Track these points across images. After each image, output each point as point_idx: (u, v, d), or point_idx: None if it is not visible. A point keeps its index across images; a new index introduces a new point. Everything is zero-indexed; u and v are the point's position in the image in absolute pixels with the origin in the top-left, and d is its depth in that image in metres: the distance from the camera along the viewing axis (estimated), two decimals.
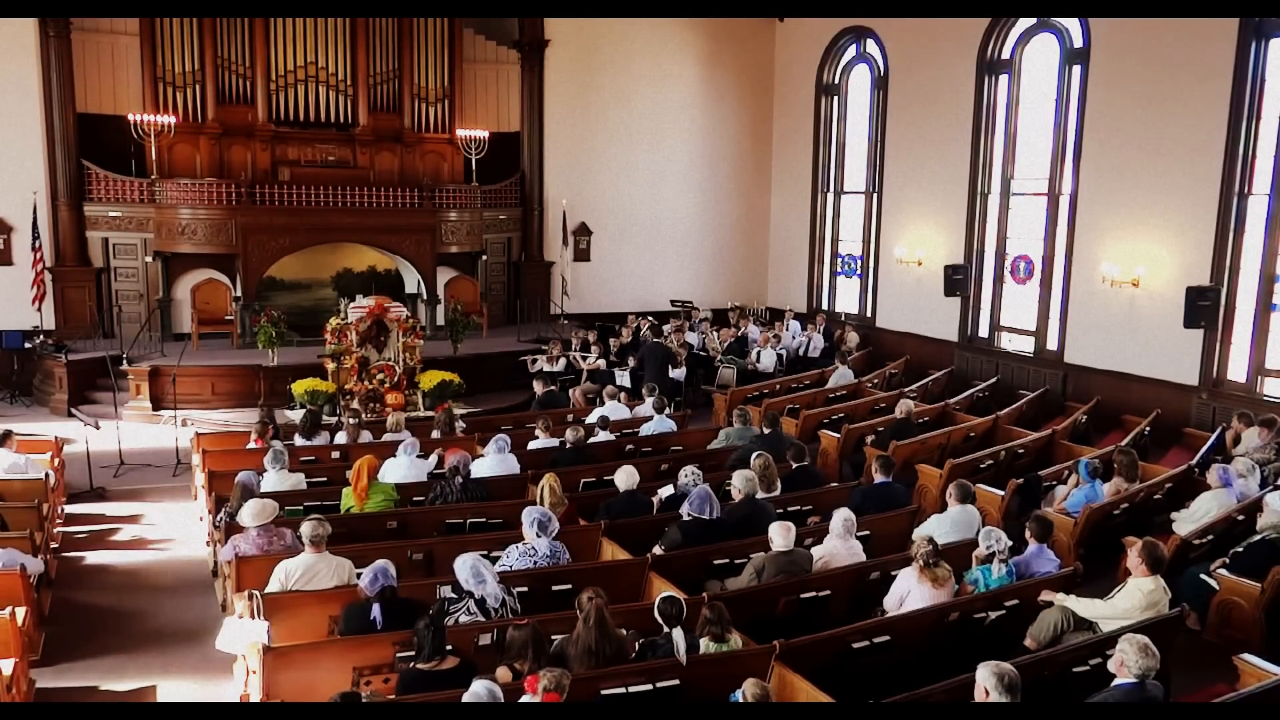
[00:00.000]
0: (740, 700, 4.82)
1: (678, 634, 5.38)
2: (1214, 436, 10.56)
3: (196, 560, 8.79)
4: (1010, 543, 6.72)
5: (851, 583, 6.82)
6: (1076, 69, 13.77)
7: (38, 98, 15.09)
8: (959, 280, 15.49)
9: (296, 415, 11.89)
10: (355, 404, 12.42)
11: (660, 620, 5.48)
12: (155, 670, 6.78)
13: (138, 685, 6.60)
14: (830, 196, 19.03)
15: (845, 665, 5.72)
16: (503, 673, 5.05)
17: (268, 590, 6.17)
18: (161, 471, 11.34)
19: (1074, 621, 6.19)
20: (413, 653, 5.17)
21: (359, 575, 6.00)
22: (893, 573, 6.65)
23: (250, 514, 6.96)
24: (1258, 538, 7.45)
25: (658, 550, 7.13)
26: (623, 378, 13.72)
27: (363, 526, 7.70)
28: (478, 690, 4.51)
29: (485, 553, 6.24)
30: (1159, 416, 11.81)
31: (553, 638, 5.48)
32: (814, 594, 6.55)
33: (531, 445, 10.00)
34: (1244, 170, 11.73)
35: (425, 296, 16.90)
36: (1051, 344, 14.38)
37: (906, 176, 16.78)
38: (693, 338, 15.96)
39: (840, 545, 6.97)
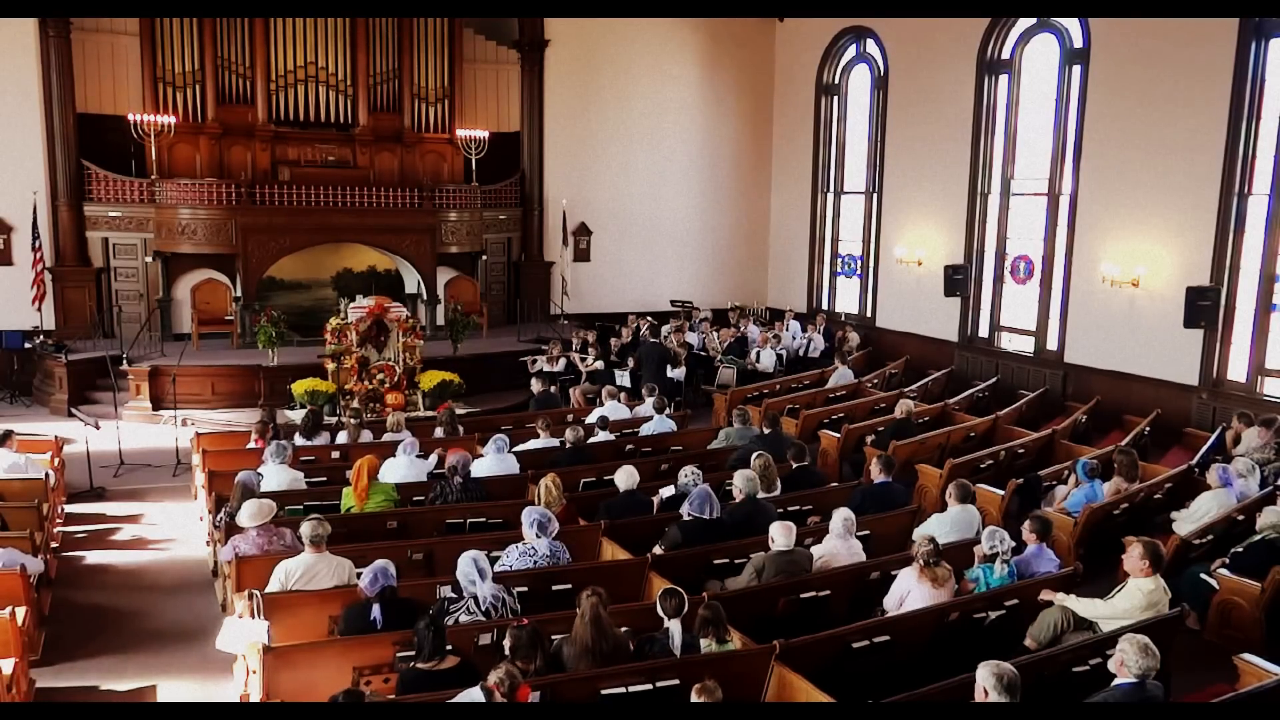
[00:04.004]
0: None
1: (674, 626, 5.40)
2: (1214, 436, 10.56)
3: (196, 560, 8.79)
4: (1014, 543, 6.73)
5: (851, 583, 6.82)
6: (1076, 69, 13.77)
7: (38, 98, 15.09)
8: (959, 280, 15.49)
9: (297, 415, 11.90)
10: (355, 404, 12.43)
11: (661, 613, 5.50)
12: (155, 670, 6.78)
13: (138, 685, 6.60)
14: (830, 196, 19.03)
15: (845, 665, 5.72)
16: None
17: (268, 590, 6.17)
18: (161, 471, 11.34)
19: (1074, 621, 6.19)
20: (413, 653, 5.17)
21: (359, 575, 6.00)
22: (893, 573, 6.65)
23: (249, 514, 6.96)
24: (1258, 538, 7.45)
25: (658, 550, 7.14)
26: (622, 378, 13.72)
27: (363, 526, 7.70)
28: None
29: (486, 553, 6.23)
30: (1159, 416, 11.82)
31: (553, 638, 5.48)
32: (814, 594, 6.55)
33: (529, 445, 9.97)
34: (1244, 170, 11.73)
35: (425, 296, 16.90)
36: (1051, 344, 14.38)
37: (906, 176, 16.78)
38: (693, 338, 15.96)
39: (840, 545, 6.97)
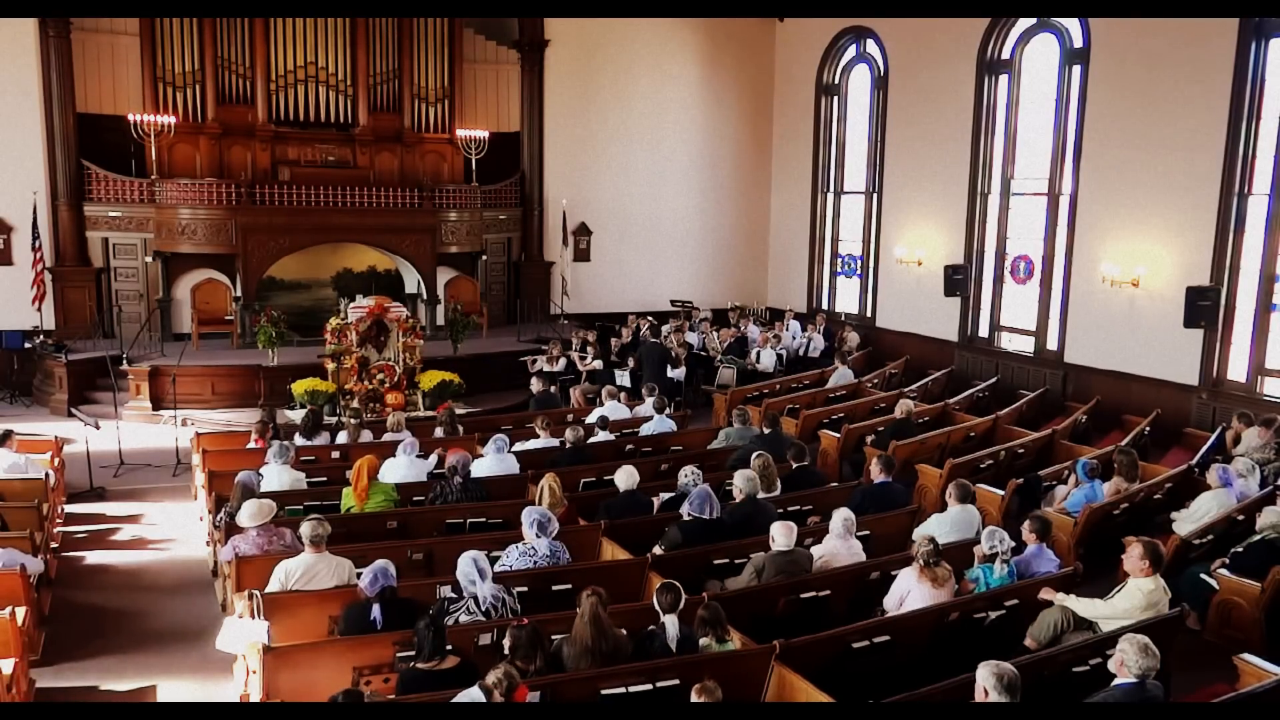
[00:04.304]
0: None
1: (669, 621, 5.45)
2: (1214, 436, 10.56)
3: (196, 560, 8.79)
4: (1014, 543, 6.73)
5: (851, 583, 6.82)
6: (1076, 69, 13.77)
7: (38, 98, 15.09)
8: (959, 280, 15.49)
9: (297, 415, 11.90)
10: (355, 404, 12.43)
11: (657, 608, 5.54)
12: (155, 670, 6.78)
13: (138, 685, 6.60)
14: (830, 196, 19.03)
15: (845, 665, 5.71)
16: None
17: (268, 590, 6.17)
18: (161, 471, 11.34)
19: (1074, 621, 6.18)
20: (413, 653, 5.17)
21: (359, 575, 6.00)
22: (893, 573, 6.65)
23: (249, 514, 6.96)
24: (1258, 538, 7.45)
25: (658, 550, 7.14)
26: (622, 378, 13.72)
27: (363, 526, 7.70)
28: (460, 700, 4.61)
29: (486, 553, 6.23)
30: (1159, 416, 11.82)
31: (553, 638, 5.49)
32: (814, 594, 6.55)
33: (529, 445, 9.94)
34: (1244, 170, 11.73)
35: (425, 296, 16.90)
36: (1051, 344, 14.38)
37: (906, 176, 16.78)
38: (693, 338, 15.96)
39: (840, 545, 6.97)
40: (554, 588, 6.49)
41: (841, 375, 14.10)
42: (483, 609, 5.87)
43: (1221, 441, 10.38)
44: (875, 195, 17.75)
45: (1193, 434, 11.61)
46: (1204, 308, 11.82)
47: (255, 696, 5.46)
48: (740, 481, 7.71)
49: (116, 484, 10.91)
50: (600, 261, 19.03)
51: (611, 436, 10.45)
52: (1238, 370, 12.03)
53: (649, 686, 5.18)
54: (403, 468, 8.86)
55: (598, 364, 14.17)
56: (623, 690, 5.14)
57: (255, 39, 16.16)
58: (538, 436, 10.09)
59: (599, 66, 18.55)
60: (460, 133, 17.28)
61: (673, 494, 8.11)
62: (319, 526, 6.36)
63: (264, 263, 15.85)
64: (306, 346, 14.57)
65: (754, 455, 8.40)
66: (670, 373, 13.77)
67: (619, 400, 11.72)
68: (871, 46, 17.66)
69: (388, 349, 12.93)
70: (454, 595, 5.98)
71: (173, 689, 6.55)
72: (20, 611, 6.31)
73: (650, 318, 16.97)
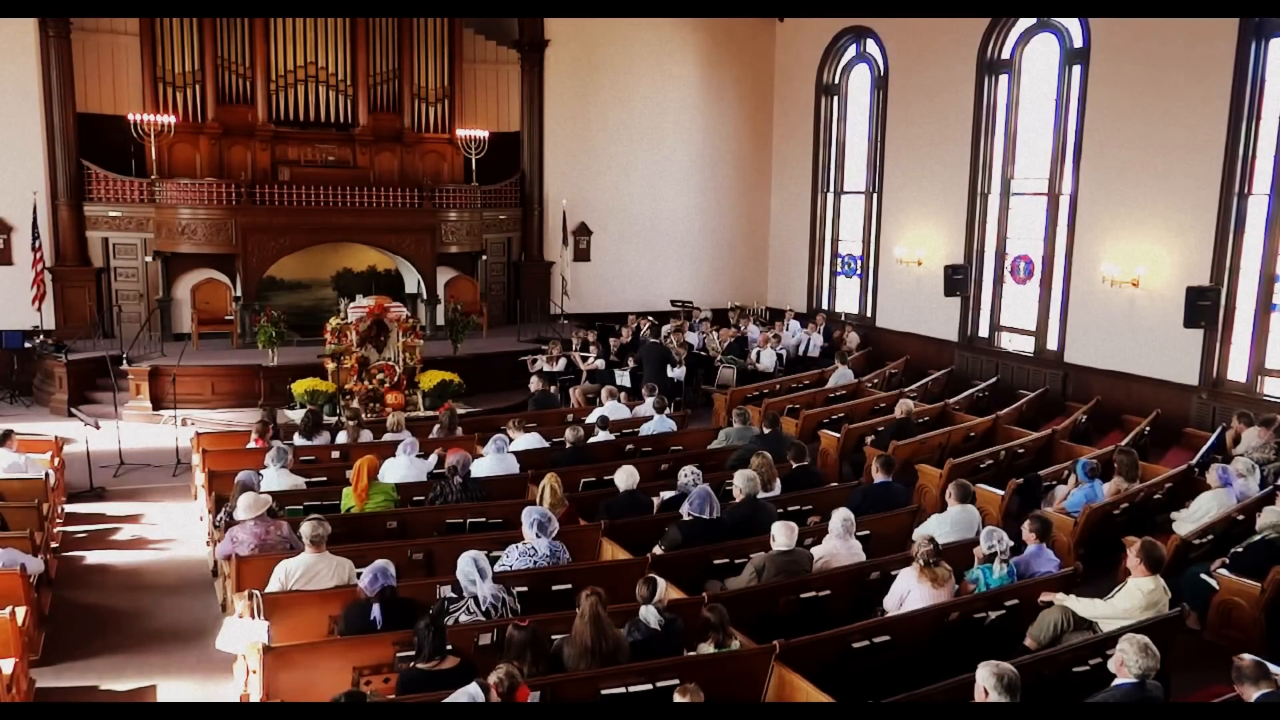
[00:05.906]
0: None
1: (645, 611, 5.54)
2: (1214, 436, 10.56)
3: (196, 560, 8.80)
4: (1012, 543, 6.73)
5: (851, 583, 6.82)
6: (1076, 69, 13.78)
7: (38, 98, 15.09)
8: (959, 280, 15.49)
9: (297, 415, 11.90)
10: (355, 404, 12.42)
11: (638, 599, 5.61)
12: (155, 670, 6.79)
13: (138, 685, 6.60)
14: (830, 196, 19.04)
15: (845, 665, 5.72)
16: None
17: (268, 590, 6.18)
18: (161, 471, 11.34)
19: (1074, 621, 6.19)
20: (413, 653, 5.17)
21: (359, 575, 6.00)
22: (893, 573, 6.65)
23: (245, 506, 6.99)
24: (1258, 538, 7.45)
25: (658, 550, 7.14)
26: (623, 378, 13.73)
27: (363, 526, 7.71)
28: (458, 696, 4.60)
29: (486, 553, 6.23)
30: (1159, 416, 11.82)
31: (552, 638, 5.49)
32: (814, 594, 6.55)
33: (513, 446, 9.85)
34: (1244, 170, 11.73)
35: (425, 296, 16.90)
36: (1051, 344, 14.38)
37: (906, 176, 16.78)
38: (693, 338, 15.96)
39: (840, 545, 6.97)
40: (554, 588, 6.49)
41: (841, 375, 14.10)
42: (483, 609, 5.87)
43: (1221, 441, 10.38)
44: (875, 195, 17.75)
45: (1193, 434, 11.62)
46: (1204, 308, 11.83)
47: (255, 696, 5.46)
48: (740, 481, 7.71)
49: (116, 484, 10.90)
50: (600, 261, 19.03)
51: (611, 436, 10.44)
52: (1238, 370, 12.03)
53: (649, 686, 5.18)
54: (403, 468, 8.86)
55: (599, 363, 14.17)
56: (623, 690, 5.15)
57: (255, 39, 16.17)
58: (512, 439, 9.86)
59: (599, 66, 18.55)
60: (460, 133, 17.28)
61: (673, 494, 8.11)
62: (319, 526, 6.37)
63: (264, 263, 15.85)
64: (306, 346, 14.57)
65: (753, 455, 8.40)
66: (670, 373, 13.77)
67: (619, 400, 11.72)
68: (871, 46, 17.66)
69: (388, 349, 12.94)
70: (454, 595, 5.98)
71: (173, 689, 6.55)
72: (20, 611, 6.31)
73: (650, 318, 16.97)
